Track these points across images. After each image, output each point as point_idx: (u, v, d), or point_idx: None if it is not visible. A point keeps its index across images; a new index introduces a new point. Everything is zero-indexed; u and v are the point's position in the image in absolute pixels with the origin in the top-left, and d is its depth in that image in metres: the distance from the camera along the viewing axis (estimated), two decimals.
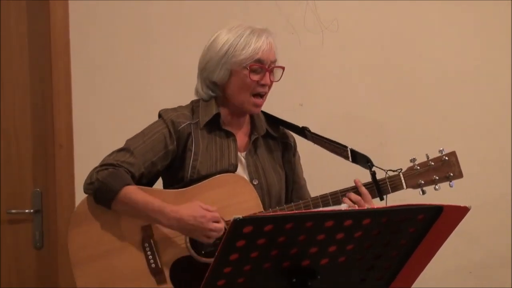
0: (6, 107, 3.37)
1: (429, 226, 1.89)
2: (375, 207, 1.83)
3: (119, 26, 3.37)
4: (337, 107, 3.47)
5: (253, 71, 2.48)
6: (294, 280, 1.85)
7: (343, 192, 2.49)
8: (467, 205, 1.86)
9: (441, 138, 3.49)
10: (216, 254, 1.77)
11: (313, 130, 3.38)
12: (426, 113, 3.50)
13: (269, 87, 2.54)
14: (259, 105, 2.55)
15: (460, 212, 1.88)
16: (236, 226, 1.71)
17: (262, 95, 2.53)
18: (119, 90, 3.36)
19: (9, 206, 3.36)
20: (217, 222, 2.39)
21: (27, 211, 3.36)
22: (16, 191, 3.38)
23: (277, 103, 3.41)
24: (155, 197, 2.44)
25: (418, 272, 2.00)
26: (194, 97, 2.64)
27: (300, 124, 3.39)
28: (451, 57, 3.51)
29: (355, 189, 2.48)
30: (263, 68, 2.49)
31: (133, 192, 2.42)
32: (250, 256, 1.79)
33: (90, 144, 3.27)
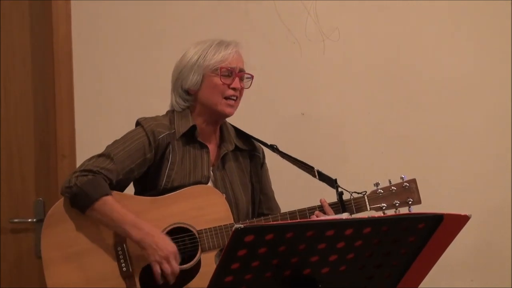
0: (9, 117, 3.37)
1: (430, 235, 1.90)
2: (376, 216, 1.84)
3: (122, 36, 3.38)
4: (338, 116, 3.47)
5: (223, 74, 2.59)
6: None
7: (311, 210, 2.58)
8: (467, 214, 1.86)
9: (442, 148, 3.49)
10: (218, 263, 1.78)
11: (315, 138, 3.41)
12: (428, 122, 3.50)
13: (240, 93, 2.64)
14: (233, 106, 2.63)
15: (460, 220, 1.88)
16: (238, 235, 1.71)
17: (233, 99, 2.61)
18: (121, 100, 3.37)
19: (12, 215, 3.37)
20: (174, 272, 2.46)
21: (29, 220, 3.36)
22: (18, 200, 3.38)
23: (279, 112, 3.44)
24: (130, 203, 2.52)
25: (419, 281, 2.00)
26: None
27: (302, 133, 3.42)
28: (453, 65, 3.51)
29: (322, 208, 2.57)
30: (233, 72, 2.60)
31: (110, 202, 2.49)
32: (251, 265, 1.79)
33: (92, 154, 3.25)
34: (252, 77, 2.66)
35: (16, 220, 3.36)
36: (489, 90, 3.52)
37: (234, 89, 2.60)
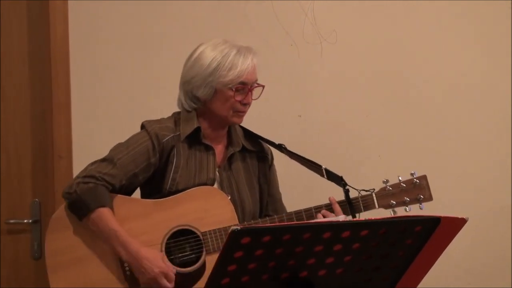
0: (5, 117, 3.37)
1: (427, 237, 1.90)
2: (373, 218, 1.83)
3: (119, 36, 3.38)
4: (335, 119, 3.47)
5: (237, 91, 2.55)
6: None
7: (317, 209, 2.56)
8: (464, 217, 1.86)
9: (442, 151, 3.49)
10: (214, 265, 1.78)
11: (312, 141, 3.41)
12: (426, 124, 3.50)
13: (249, 104, 2.62)
14: (241, 117, 2.62)
15: (457, 223, 1.88)
16: (234, 237, 1.71)
17: (243, 112, 2.61)
18: (119, 101, 3.36)
19: (8, 216, 3.36)
20: (169, 280, 2.46)
21: (25, 221, 3.35)
22: (15, 201, 3.38)
23: (276, 114, 3.44)
24: (133, 205, 2.52)
25: (416, 284, 2.00)
26: None
27: (299, 135, 3.42)
28: (452, 66, 3.51)
29: (329, 206, 2.56)
30: (245, 89, 2.57)
31: (105, 216, 2.48)
32: (248, 267, 1.79)
33: (89, 155, 3.24)
34: (263, 87, 2.62)
35: (12, 221, 3.36)
36: (489, 90, 3.52)
37: (245, 104, 2.58)
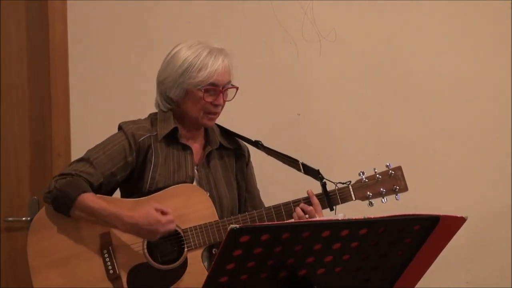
0: (4, 115, 3.37)
1: (426, 236, 1.90)
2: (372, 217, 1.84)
3: (118, 36, 3.38)
4: (335, 117, 3.47)
5: (207, 92, 2.56)
6: None
7: (296, 203, 2.56)
8: (463, 215, 1.86)
9: (440, 149, 3.48)
10: (213, 263, 1.78)
11: (311, 139, 3.41)
12: (425, 123, 3.49)
13: (222, 106, 2.62)
14: (213, 119, 2.63)
15: (456, 222, 1.88)
16: (233, 235, 1.71)
17: (214, 114, 2.61)
18: (117, 99, 3.36)
19: (7, 214, 3.36)
20: (169, 221, 2.47)
21: (24, 219, 3.35)
22: (13, 199, 3.38)
23: (275, 113, 3.44)
24: (113, 205, 2.51)
25: (414, 283, 2.00)
26: None
27: (298, 134, 3.42)
28: (452, 65, 3.49)
29: (307, 200, 2.56)
30: (216, 90, 2.57)
31: (90, 199, 2.48)
32: (246, 266, 1.79)
33: None
34: (237, 88, 2.62)
35: (11, 219, 3.36)
36: (489, 90, 3.51)
37: (216, 105, 2.59)
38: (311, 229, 1.78)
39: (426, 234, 1.89)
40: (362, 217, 1.82)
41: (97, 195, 2.52)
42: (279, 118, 3.44)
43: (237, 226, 1.70)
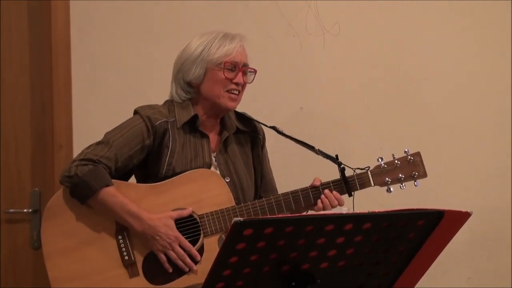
0: (6, 107, 3.36)
1: (430, 231, 1.89)
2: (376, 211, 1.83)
3: (120, 28, 3.37)
4: (337, 111, 3.46)
5: (227, 68, 2.57)
6: (293, 284, 1.85)
7: (303, 191, 2.56)
8: (468, 211, 1.85)
9: (442, 144, 3.48)
10: (216, 256, 1.77)
11: (313, 133, 3.40)
12: (428, 119, 3.49)
13: (243, 87, 2.63)
14: (235, 100, 2.62)
15: (461, 217, 1.88)
16: (237, 228, 1.70)
17: (235, 93, 2.61)
18: (119, 91, 3.36)
19: (7, 206, 3.36)
20: (181, 257, 2.50)
21: (25, 210, 3.35)
22: (14, 190, 3.37)
23: (277, 106, 3.43)
24: (129, 190, 2.53)
25: (418, 278, 2.00)
26: None
27: (301, 127, 3.41)
28: (453, 61, 3.49)
29: (319, 188, 2.56)
30: (236, 67, 2.59)
31: (112, 193, 2.50)
32: (249, 259, 1.78)
33: (89, 145, 3.26)
34: (255, 71, 2.65)
35: (12, 210, 3.35)
36: (489, 88, 3.50)
37: (236, 83, 2.59)
38: (315, 223, 1.78)
39: (430, 229, 1.88)
40: (366, 211, 1.81)
41: (116, 180, 2.52)
42: (282, 112, 3.43)
43: (241, 219, 1.69)
